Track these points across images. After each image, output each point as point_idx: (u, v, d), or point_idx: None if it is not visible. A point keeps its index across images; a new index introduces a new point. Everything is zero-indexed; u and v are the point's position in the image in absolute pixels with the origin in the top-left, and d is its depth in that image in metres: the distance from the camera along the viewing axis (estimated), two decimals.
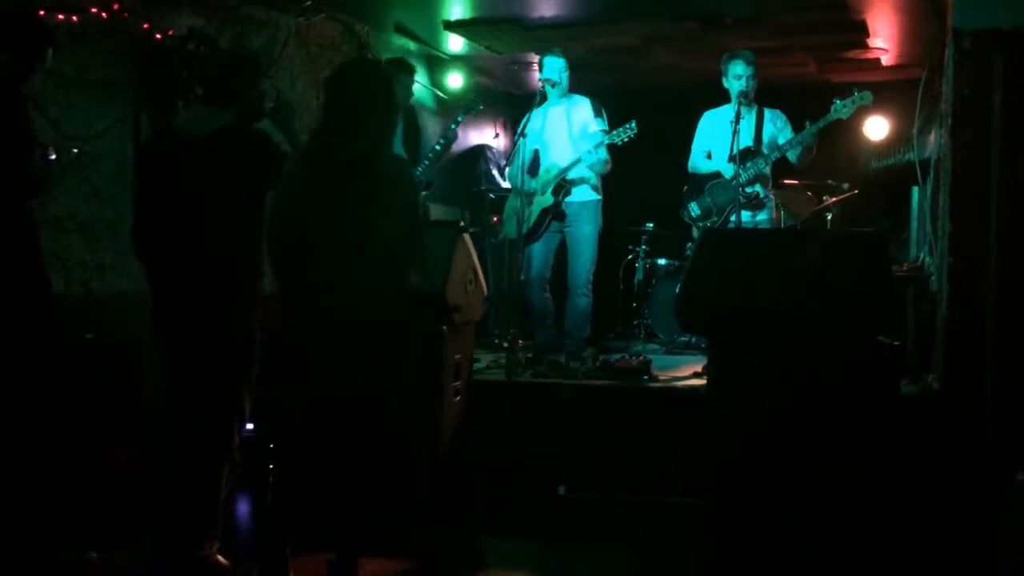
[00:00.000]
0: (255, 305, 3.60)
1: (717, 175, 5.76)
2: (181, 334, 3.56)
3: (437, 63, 7.59)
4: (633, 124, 5.65)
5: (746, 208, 5.63)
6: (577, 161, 5.79)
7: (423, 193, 5.96)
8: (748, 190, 5.61)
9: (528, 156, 5.90)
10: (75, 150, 4.07)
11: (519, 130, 5.77)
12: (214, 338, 3.52)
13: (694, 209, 5.85)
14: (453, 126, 6.08)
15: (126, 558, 3.82)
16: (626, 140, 5.68)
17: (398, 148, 6.05)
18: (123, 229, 4.66)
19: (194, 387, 3.57)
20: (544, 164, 5.98)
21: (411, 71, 6.15)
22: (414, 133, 6.26)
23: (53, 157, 3.70)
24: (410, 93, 6.18)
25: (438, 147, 6.06)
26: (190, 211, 3.47)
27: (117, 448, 4.31)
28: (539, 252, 5.97)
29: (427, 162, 6.04)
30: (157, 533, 3.72)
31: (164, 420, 3.63)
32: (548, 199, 5.87)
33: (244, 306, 3.57)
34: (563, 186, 5.86)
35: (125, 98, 4.96)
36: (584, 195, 5.90)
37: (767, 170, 5.72)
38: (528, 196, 5.84)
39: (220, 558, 3.55)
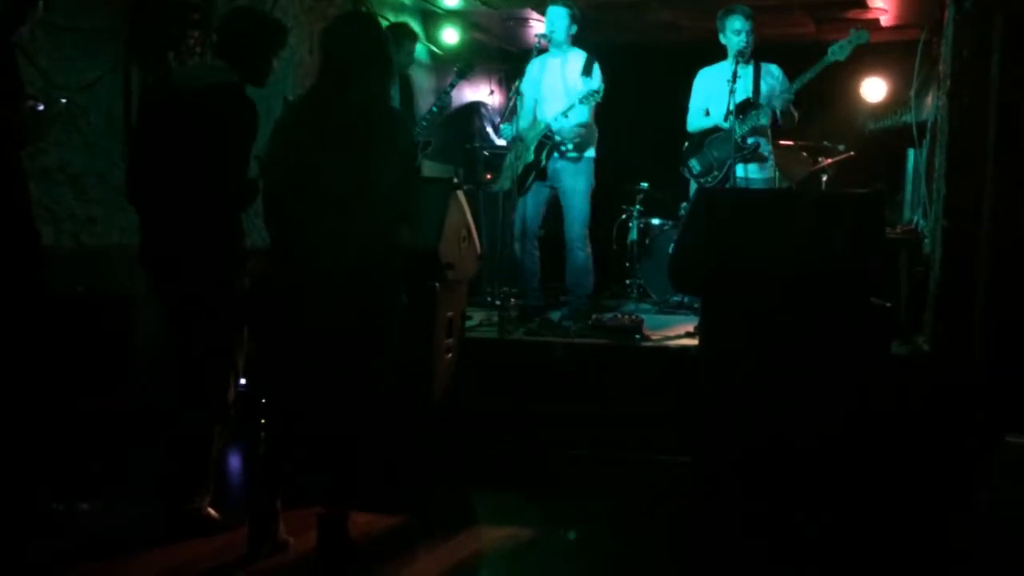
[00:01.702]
0: (243, 260, 3.59)
1: (716, 130, 5.73)
2: (170, 286, 3.57)
3: (432, 18, 7.50)
4: (600, 88, 5.66)
5: (747, 160, 5.59)
6: (547, 126, 5.82)
7: (422, 152, 5.95)
8: (749, 141, 5.58)
9: (529, 108, 5.88)
10: (64, 100, 4.02)
11: (516, 85, 5.73)
12: (202, 292, 3.52)
13: (695, 166, 5.82)
14: (447, 90, 6.04)
15: (117, 509, 3.83)
16: (591, 105, 5.67)
17: None
18: (114, 181, 4.65)
19: (184, 342, 3.57)
20: (541, 117, 5.96)
21: (414, 37, 6.10)
22: (408, 99, 6.21)
23: (41, 107, 3.66)
24: (411, 59, 6.13)
25: (434, 109, 6.02)
26: (180, 161, 3.46)
27: (108, 400, 4.31)
28: (528, 206, 5.98)
29: (424, 124, 6.01)
30: (149, 486, 3.75)
31: (157, 374, 3.64)
32: (530, 156, 5.87)
33: (231, 261, 3.56)
34: (544, 144, 5.84)
35: (116, 48, 4.89)
36: (572, 152, 5.88)
37: (765, 122, 5.68)
38: (513, 147, 5.86)
39: (211, 511, 3.58)
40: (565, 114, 5.75)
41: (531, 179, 5.92)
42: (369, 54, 3.38)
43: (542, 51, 5.90)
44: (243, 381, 4.68)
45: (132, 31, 4.93)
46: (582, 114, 5.77)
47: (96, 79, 4.79)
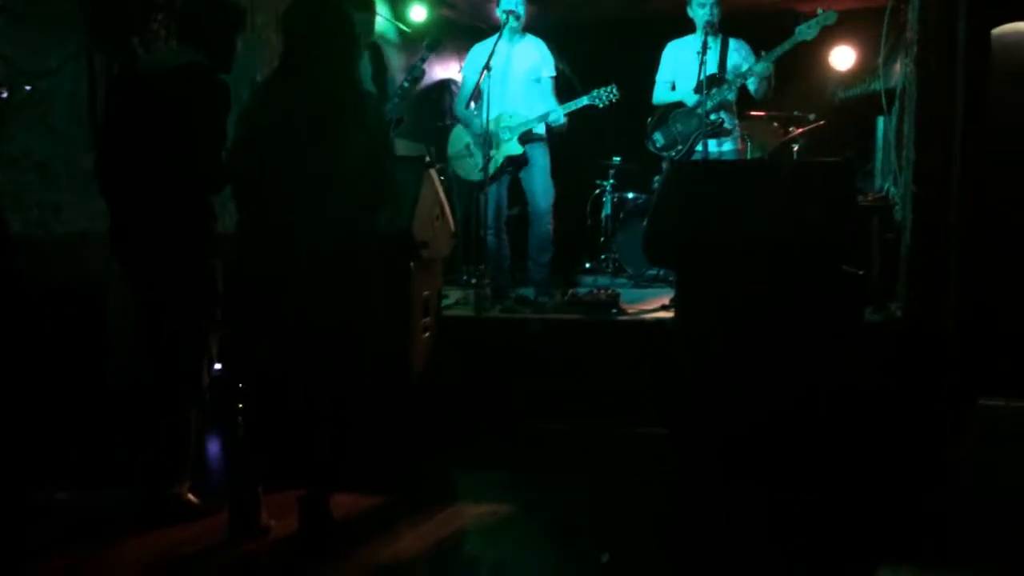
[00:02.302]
0: (214, 243, 3.57)
1: (681, 104, 5.74)
2: (141, 271, 3.55)
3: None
4: (615, 89, 5.63)
5: (710, 136, 5.62)
6: (545, 116, 5.77)
7: (394, 129, 5.90)
8: (712, 117, 5.59)
9: (472, 89, 5.85)
10: (28, 87, 3.96)
11: (482, 63, 5.67)
12: (173, 277, 3.49)
13: (659, 139, 5.83)
14: (419, 63, 5.99)
15: (97, 497, 3.81)
16: (606, 103, 5.66)
17: (368, 86, 5.98)
18: (80, 167, 4.58)
19: (157, 328, 3.55)
20: (495, 104, 5.79)
21: (369, 7, 6.04)
22: (381, 71, 6.16)
23: (5, 95, 3.61)
24: (370, 30, 6.06)
25: (406, 84, 5.97)
26: (151, 147, 3.43)
27: (84, 387, 4.28)
28: (494, 193, 5.95)
29: (396, 100, 5.96)
30: (128, 472, 3.73)
31: (132, 360, 3.62)
32: (517, 148, 5.83)
33: (203, 244, 3.54)
34: (528, 136, 5.83)
35: (78, 34, 4.82)
36: (537, 141, 5.90)
37: (731, 97, 5.70)
38: (486, 137, 5.78)
39: (191, 497, 3.58)
40: (565, 111, 5.76)
41: (507, 168, 5.89)
42: (332, 31, 3.34)
43: (500, 29, 5.83)
44: (219, 366, 4.69)
45: (94, 16, 4.86)
46: (570, 107, 5.78)
47: (59, 65, 4.72)
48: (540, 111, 5.81)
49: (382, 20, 6.82)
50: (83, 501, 3.79)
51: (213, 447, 4.52)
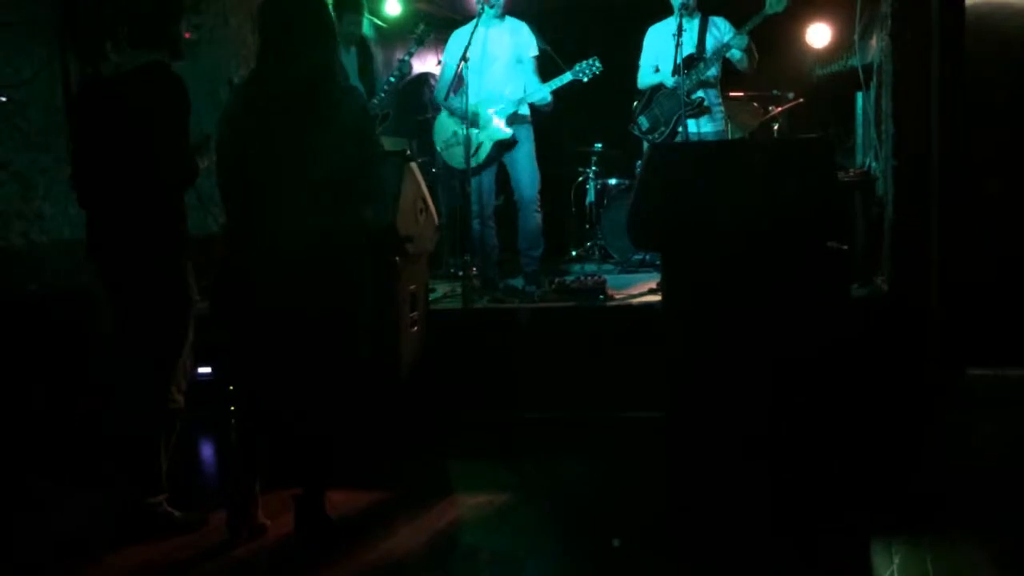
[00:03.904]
0: (183, 245, 3.53)
1: (662, 87, 5.75)
2: (114, 275, 3.52)
3: None
4: (597, 61, 5.60)
5: (692, 116, 5.62)
6: (531, 94, 5.75)
7: (381, 124, 5.89)
8: (693, 96, 5.60)
9: (452, 76, 5.82)
10: (3, 99, 3.94)
11: (460, 52, 5.66)
12: (143, 281, 3.46)
13: (643, 123, 5.84)
14: (406, 57, 5.95)
15: (78, 507, 3.82)
16: (590, 77, 5.63)
17: (355, 81, 5.96)
18: (59, 176, 4.57)
19: (130, 337, 3.52)
20: (478, 88, 5.82)
21: (358, 5, 6.03)
22: (366, 66, 6.14)
23: (4, 99, 3.60)
24: (358, 27, 6.06)
25: (392, 79, 5.95)
26: (119, 151, 3.40)
27: (64, 396, 4.27)
28: (486, 181, 5.94)
29: (383, 95, 5.94)
30: (104, 483, 3.71)
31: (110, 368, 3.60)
32: (505, 132, 5.80)
33: (170, 247, 3.50)
34: (514, 118, 5.81)
35: (51, 41, 4.79)
36: (522, 122, 5.88)
37: (711, 74, 5.70)
38: (470, 122, 5.77)
39: (169, 508, 3.53)
40: (550, 89, 5.73)
41: (499, 152, 5.88)
42: (307, 26, 3.32)
43: (477, 16, 5.81)
44: (208, 369, 4.69)
45: (69, 22, 4.83)
46: (554, 84, 5.75)
47: (33, 74, 4.69)
48: (523, 92, 5.79)
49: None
50: (65, 511, 3.78)
51: (207, 450, 4.52)
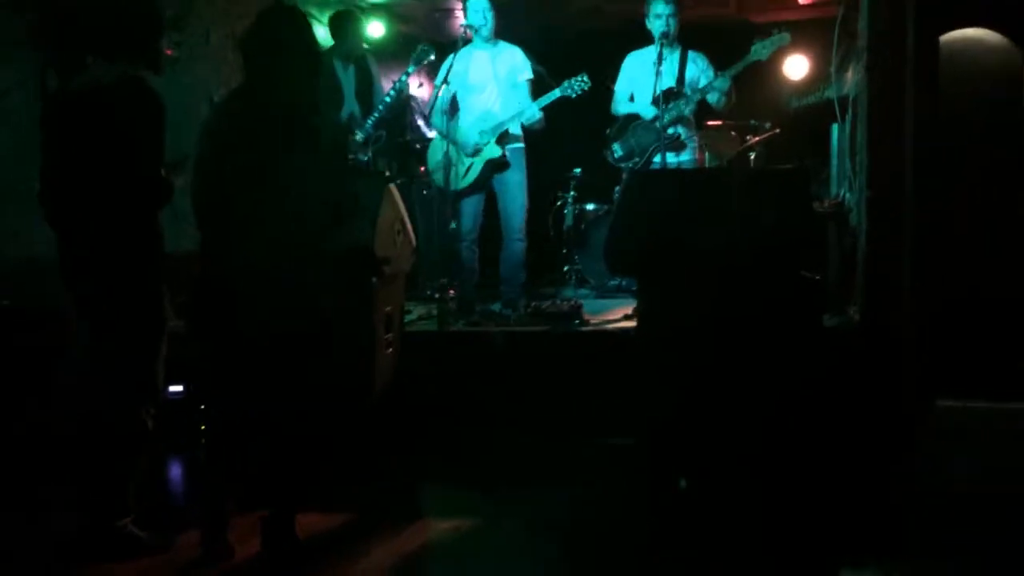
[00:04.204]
0: (158, 266, 3.49)
1: (638, 116, 5.79)
2: (85, 297, 3.47)
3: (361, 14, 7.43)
4: (585, 77, 5.64)
5: (668, 149, 5.67)
6: (520, 114, 5.76)
7: (375, 144, 5.90)
8: (669, 131, 5.64)
9: (447, 100, 5.84)
10: None
11: (442, 76, 5.70)
12: (117, 301, 3.42)
13: (617, 150, 5.87)
14: (404, 77, 5.96)
15: (38, 528, 3.77)
16: (579, 93, 5.67)
17: (350, 100, 5.98)
18: (35, 192, 4.52)
19: (100, 356, 3.48)
20: (469, 111, 5.89)
21: (358, 22, 6.06)
22: (367, 84, 6.16)
23: None
24: (359, 46, 6.07)
25: (388, 99, 5.95)
26: (86, 169, 3.35)
27: (33, 415, 4.21)
28: (473, 204, 5.95)
29: (376, 114, 5.94)
30: (69, 503, 3.66)
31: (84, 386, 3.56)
32: (496, 151, 5.82)
33: (146, 267, 3.46)
34: (505, 137, 5.83)
35: (28, 56, 4.77)
36: (515, 143, 5.90)
37: (688, 112, 5.75)
38: (463, 146, 5.78)
39: (135, 530, 3.47)
40: (540, 106, 5.75)
41: (490, 173, 5.88)
42: (291, 51, 3.33)
43: (467, 42, 5.86)
44: (180, 388, 4.65)
45: (46, 36, 4.80)
46: (544, 101, 5.78)
47: (7, 88, 4.66)
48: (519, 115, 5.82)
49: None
50: (30, 532, 3.73)
51: (175, 470, 4.48)
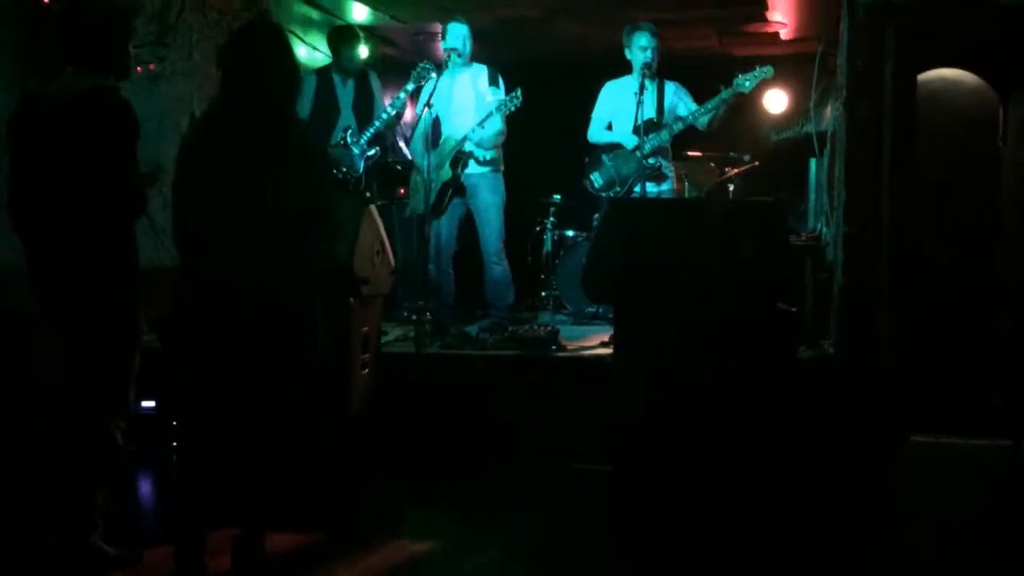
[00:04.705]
0: (133, 279, 3.44)
1: (618, 145, 5.82)
2: (58, 311, 3.42)
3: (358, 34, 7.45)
4: (518, 92, 5.68)
5: (648, 179, 5.71)
6: (464, 139, 5.78)
7: (369, 160, 5.90)
8: (651, 161, 5.69)
9: (429, 125, 5.86)
10: None
11: (425, 100, 5.71)
12: (91, 316, 3.37)
13: (596, 179, 5.90)
14: (402, 95, 5.96)
15: (10, 543, 3.71)
16: (512, 110, 5.68)
17: (347, 115, 5.97)
18: (5, 200, 4.48)
19: (71, 367, 3.42)
20: (445, 134, 5.94)
21: (355, 38, 6.07)
22: (367, 98, 6.15)
23: None
24: (357, 61, 6.08)
25: (385, 115, 5.96)
26: (58, 180, 3.31)
27: (3, 426, 4.15)
28: (444, 227, 5.95)
29: (372, 130, 5.93)
30: (35, 516, 3.60)
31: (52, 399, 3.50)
32: (447, 173, 5.85)
33: (120, 280, 3.41)
34: (460, 159, 5.84)
35: (10, 65, 4.74)
36: (482, 167, 5.91)
37: (667, 143, 5.80)
38: (430, 169, 5.80)
39: (103, 546, 3.41)
40: (481, 124, 5.76)
41: (448, 196, 5.90)
42: (269, 68, 3.31)
43: (444, 68, 5.88)
44: (152, 403, 4.61)
45: (28, 46, 4.77)
46: (496, 122, 5.80)
47: None
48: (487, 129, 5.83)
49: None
50: None
51: (144, 485, 4.43)
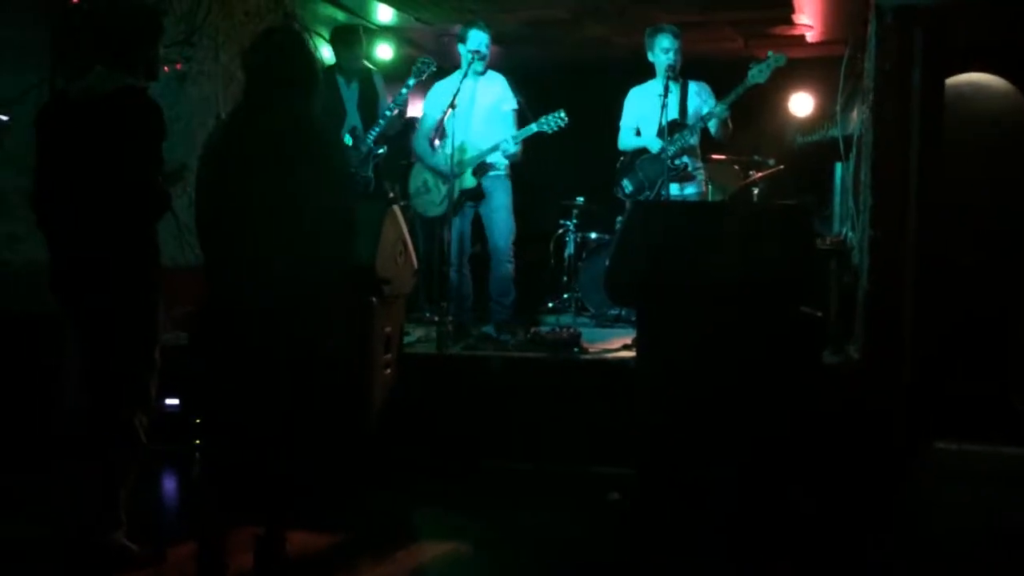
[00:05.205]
0: (156, 279, 3.47)
1: (646, 150, 5.82)
2: (77, 312, 3.45)
3: (367, 34, 7.47)
4: (563, 113, 5.68)
5: (675, 180, 5.70)
6: (495, 148, 5.78)
7: (375, 159, 5.91)
8: (676, 162, 5.67)
9: (434, 125, 5.87)
10: (5, 118, 3.90)
11: (448, 101, 5.71)
12: (113, 315, 3.39)
13: (627, 185, 5.91)
14: (404, 91, 5.97)
15: (35, 540, 3.73)
16: (555, 129, 5.70)
17: (352, 115, 5.99)
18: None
19: (95, 366, 3.44)
20: (456, 139, 5.84)
21: (359, 39, 6.08)
22: (372, 99, 6.18)
23: (5, 118, 3.54)
24: (358, 60, 6.09)
25: (388, 112, 5.97)
26: (87, 176, 3.33)
27: (30, 423, 4.18)
28: (457, 230, 5.96)
29: (377, 129, 5.95)
30: (60, 514, 3.63)
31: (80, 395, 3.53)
32: (470, 180, 5.85)
33: (143, 280, 3.43)
34: (482, 167, 5.85)
35: (40, 62, 4.78)
36: (495, 171, 5.93)
37: (693, 141, 5.78)
38: (443, 174, 5.81)
39: (126, 543, 3.43)
40: (516, 140, 5.78)
41: (463, 202, 5.92)
42: (292, 71, 3.32)
43: (466, 68, 5.87)
44: (176, 401, 4.64)
45: (56, 44, 4.82)
46: (520, 136, 5.81)
47: (21, 93, 4.67)
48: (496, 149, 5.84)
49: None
50: (21, 541, 3.69)
51: (168, 483, 4.45)
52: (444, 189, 5.86)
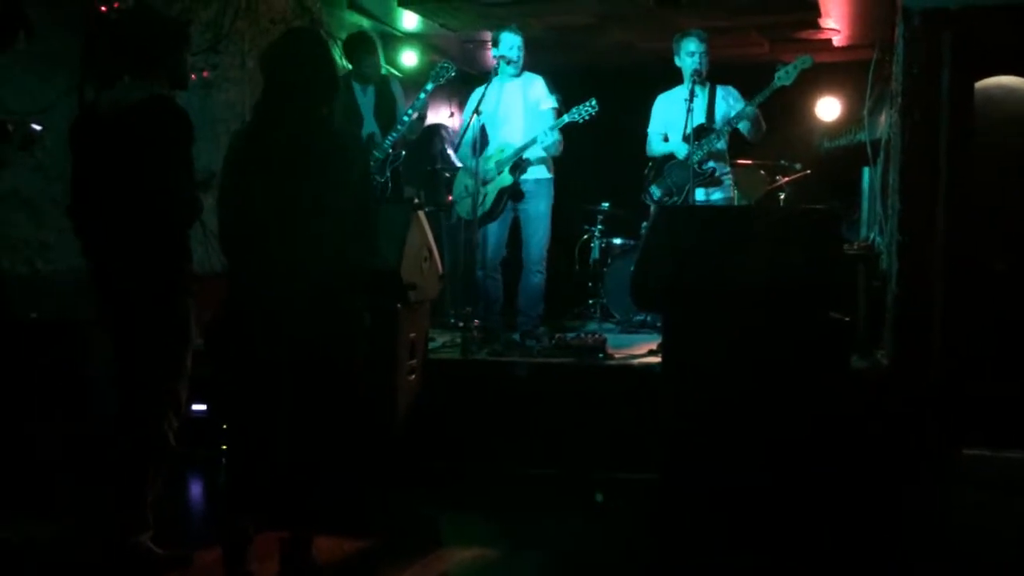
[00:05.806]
0: (188, 285, 3.50)
1: (673, 156, 5.80)
2: (112, 318, 3.48)
3: (392, 41, 7.51)
4: (593, 101, 5.69)
5: (703, 185, 5.68)
6: (533, 141, 5.79)
7: (392, 164, 5.93)
8: (704, 167, 5.65)
9: (477, 132, 5.88)
10: (38, 127, 3.96)
11: (473, 107, 5.74)
12: (146, 321, 3.42)
13: (655, 192, 5.89)
14: (422, 95, 5.98)
15: (63, 542, 3.77)
16: (586, 118, 5.70)
17: (370, 122, 6.02)
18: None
19: (126, 370, 3.47)
20: (495, 142, 5.95)
21: (373, 45, 6.10)
22: (389, 105, 6.20)
23: (39, 128, 3.62)
24: (375, 67, 6.12)
25: (406, 118, 5.99)
26: (116, 188, 3.37)
27: (60, 426, 4.22)
28: (494, 233, 5.97)
29: (395, 134, 5.97)
30: (89, 517, 3.65)
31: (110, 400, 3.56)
32: (507, 179, 5.87)
33: (175, 286, 3.46)
34: (519, 165, 5.86)
35: (70, 71, 4.84)
36: (539, 173, 5.95)
37: (721, 146, 5.76)
38: (481, 176, 5.82)
39: (153, 546, 3.45)
40: (552, 128, 5.79)
41: (504, 201, 5.93)
42: (310, 75, 3.33)
43: (495, 76, 5.89)
44: (204, 407, 4.66)
45: (86, 53, 4.87)
46: (556, 125, 5.83)
47: (51, 103, 4.73)
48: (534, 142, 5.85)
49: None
50: (48, 546, 3.72)
51: (195, 488, 4.48)
52: (483, 190, 5.87)
